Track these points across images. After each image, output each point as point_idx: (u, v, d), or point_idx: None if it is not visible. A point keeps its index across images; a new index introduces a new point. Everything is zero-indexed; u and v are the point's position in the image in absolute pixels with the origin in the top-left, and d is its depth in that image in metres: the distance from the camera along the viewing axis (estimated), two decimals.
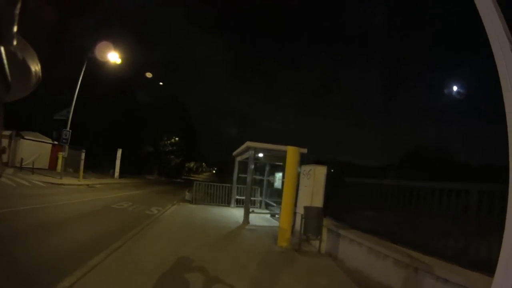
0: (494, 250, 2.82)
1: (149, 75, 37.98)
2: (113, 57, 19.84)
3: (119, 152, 26.22)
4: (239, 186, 15.70)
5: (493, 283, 2.56)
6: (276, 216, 12.33)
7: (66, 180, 17.16)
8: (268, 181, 15.27)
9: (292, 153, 8.59)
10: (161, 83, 41.90)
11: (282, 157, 10.22)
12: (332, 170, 8.91)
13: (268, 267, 6.11)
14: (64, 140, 18.64)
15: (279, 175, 13.64)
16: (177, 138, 49.06)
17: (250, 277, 5.32)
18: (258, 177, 15.63)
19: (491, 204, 3.82)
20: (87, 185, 17.91)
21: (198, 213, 12.29)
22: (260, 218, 12.71)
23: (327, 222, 7.90)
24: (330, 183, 8.71)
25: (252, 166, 12.34)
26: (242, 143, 12.81)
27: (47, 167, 22.63)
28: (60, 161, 19.89)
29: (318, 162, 9.35)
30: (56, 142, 22.61)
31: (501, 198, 3.43)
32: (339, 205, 8.24)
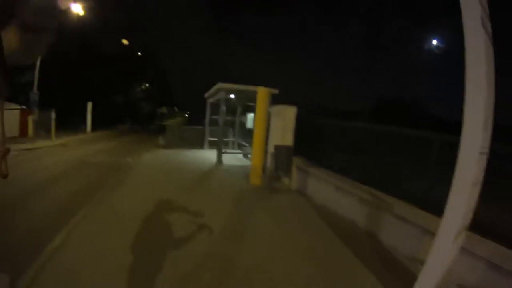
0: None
1: (125, 41, 35.86)
2: (76, 8, 18.45)
3: (89, 106, 25.30)
4: (212, 128, 15.66)
5: (442, 222, 2.73)
6: (249, 156, 12.52)
7: (40, 143, 16.50)
8: (240, 122, 15.27)
9: (262, 93, 8.56)
10: (126, 41, 39.31)
11: (254, 98, 10.18)
12: (303, 111, 8.95)
13: (240, 204, 6.43)
14: (32, 103, 17.62)
15: (250, 115, 13.63)
16: (147, 85, 47.59)
17: (224, 214, 5.67)
18: (230, 118, 15.58)
19: (451, 154, 3.96)
20: (61, 144, 17.35)
21: (172, 158, 12.35)
22: (233, 158, 12.93)
23: (297, 160, 8.11)
24: (301, 123, 8.79)
25: (224, 108, 12.28)
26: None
27: (17, 135, 21.81)
28: (30, 125, 19.06)
29: (291, 103, 9.33)
30: (24, 107, 21.55)
31: None
32: (309, 145, 8.40)
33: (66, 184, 7.68)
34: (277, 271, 3.67)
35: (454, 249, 2.90)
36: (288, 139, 8.71)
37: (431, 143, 4.46)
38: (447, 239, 2.70)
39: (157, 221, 5.03)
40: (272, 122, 9.64)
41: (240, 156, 13.71)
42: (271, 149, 8.64)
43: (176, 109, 37.17)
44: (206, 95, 15.29)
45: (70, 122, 24.52)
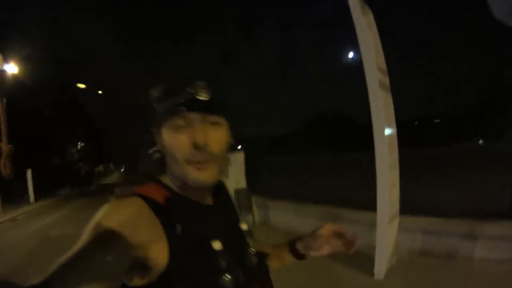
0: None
1: (81, 85, 33.10)
2: (10, 68, 17.48)
3: (29, 174, 22.79)
4: None
5: (377, 215, 4.14)
6: None
7: None
8: None
9: None
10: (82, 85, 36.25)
11: None
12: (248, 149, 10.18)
13: None
14: None
15: None
16: (82, 144, 44.58)
17: None
18: None
19: None
20: (10, 219, 15.79)
21: None
22: None
23: (255, 198, 9.31)
24: (249, 162, 10.03)
25: None
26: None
27: None
28: None
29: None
30: None
31: None
32: (261, 181, 9.68)
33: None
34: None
35: (392, 231, 4.33)
36: (242, 182, 9.89)
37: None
38: (384, 225, 4.12)
39: None
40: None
41: None
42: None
43: (111, 165, 35.33)
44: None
45: (11, 193, 21.81)
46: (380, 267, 4.27)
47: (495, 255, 4.37)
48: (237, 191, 9.15)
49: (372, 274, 4.35)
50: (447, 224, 4.86)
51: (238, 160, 10.02)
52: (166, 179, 0.93)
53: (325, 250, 1.14)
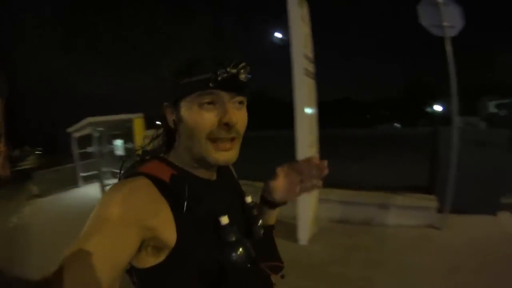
0: None
1: None
2: None
3: None
4: (82, 162, 15.23)
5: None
6: None
7: None
8: (110, 151, 14.89)
9: (138, 123, 9.62)
10: None
11: (121, 125, 10.88)
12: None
13: None
14: None
15: (119, 142, 13.97)
16: None
17: None
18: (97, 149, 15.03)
19: None
20: None
21: (63, 205, 11.82)
22: None
23: None
24: None
25: (97, 137, 12.69)
26: (72, 115, 12.25)
27: None
28: None
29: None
30: None
31: None
32: None
33: None
34: None
35: (313, 201, 4.94)
36: None
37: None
38: (304, 196, 4.64)
39: None
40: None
41: None
42: None
43: (27, 148, 32.26)
44: (70, 129, 14.62)
45: None
46: (303, 234, 4.84)
47: (405, 222, 5.25)
48: None
49: (297, 240, 4.89)
50: (363, 196, 5.69)
51: None
52: (169, 157, 0.94)
53: (286, 191, 1.06)
